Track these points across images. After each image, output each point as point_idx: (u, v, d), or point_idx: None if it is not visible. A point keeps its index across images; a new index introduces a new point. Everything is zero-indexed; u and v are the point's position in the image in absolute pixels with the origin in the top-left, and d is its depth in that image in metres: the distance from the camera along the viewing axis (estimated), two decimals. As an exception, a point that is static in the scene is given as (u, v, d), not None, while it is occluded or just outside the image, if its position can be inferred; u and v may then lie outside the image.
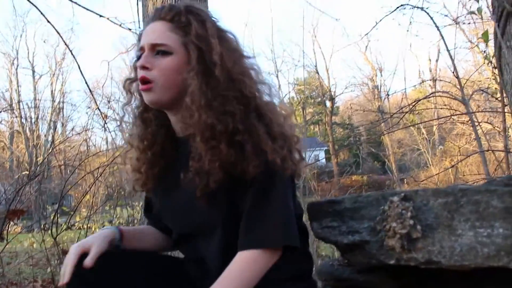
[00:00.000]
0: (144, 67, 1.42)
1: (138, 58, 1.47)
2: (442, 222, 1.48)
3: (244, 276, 1.33)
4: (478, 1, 3.92)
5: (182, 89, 1.42)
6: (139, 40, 1.51)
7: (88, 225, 6.58)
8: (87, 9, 7.58)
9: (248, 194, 1.39)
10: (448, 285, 1.72)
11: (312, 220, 1.75)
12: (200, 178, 1.38)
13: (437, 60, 28.47)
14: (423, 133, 26.34)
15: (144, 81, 1.43)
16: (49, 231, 5.20)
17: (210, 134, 1.36)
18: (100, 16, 7.41)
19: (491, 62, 4.61)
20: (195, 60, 1.40)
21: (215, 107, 1.37)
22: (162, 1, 4.08)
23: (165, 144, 1.56)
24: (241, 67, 1.47)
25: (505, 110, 4.29)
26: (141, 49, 1.46)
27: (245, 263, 1.35)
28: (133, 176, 1.59)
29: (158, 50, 1.43)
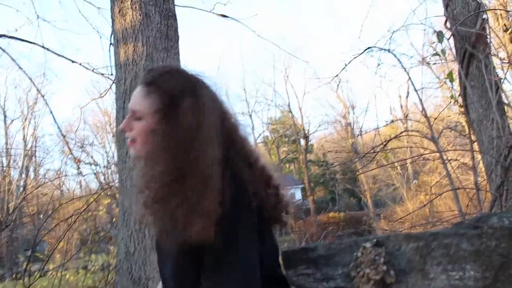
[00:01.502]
0: (123, 130, 1.59)
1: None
2: (415, 267, 1.51)
3: None
4: (441, 43, 4.06)
5: (154, 150, 1.52)
6: None
7: (62, 272, 6.43)
8: (60, 55, 7.61)
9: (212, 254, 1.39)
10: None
11: (287, 268, 1.75)
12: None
13: (407, 97, 29.06)
14: (397, 169, 26.63)
15: (129, 139, 1.59)
16: (21, 280, 5.06)
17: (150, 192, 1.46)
18: (73, 61, 7.44)
19: (457, 101, 4.75)
20: (162, 122, 1.51)
21: (180, 154, 1.45)
22: (134, 49, 4.14)
23: None
24: (211, 117, 1.52)
25: (474, 147, 4.40)
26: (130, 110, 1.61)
27: None
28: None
29: (135, 117, 1.57)
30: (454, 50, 4.76)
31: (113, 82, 5.95)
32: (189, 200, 1.37)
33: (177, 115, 1.49)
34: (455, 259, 1.46)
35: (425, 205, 4.37)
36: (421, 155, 4.71)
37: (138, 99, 1.57)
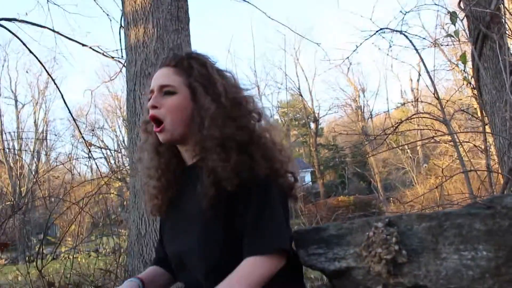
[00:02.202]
0: (153, 107, 1.62)
1: (149, 100, 1.67)
2: (427, 246, 1.50)
3: (249, 279, 1.43)
4: (454, 24, 4.01)
5: (189, 123, 1.61)
6: (149, 86, 1.72)
7: (74, 255, 6.50)
8: (70, 39, 7.62)
9: (246, 208, 1.50)
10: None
11: (299, 248, 1.75)
12: (214, 188, 1.52)
13: (418, 80, 28.89)
14: (407, 152, 26.57)
15: (155, 120, 1.63)
16: (34, 263, 5.11)
17: (222, 148, 1.52)
18: (83, 45, 7.44)
19: (470, 83, 4.70)
20: (203, 94, 1.60)
21: (230, 125, 1.56)
22: (144, 31, 4.13)
23: (177, 172, 1.73)
24: (242, 94, 1.68)
25: (486, 130, 4.36)
26: (151, 92, 1.67)
27: (250, 267, 1.46)
28: (151, 202, 1.77)
29: (165, 91, 1.63)
30: (467, 32, 4.70)
31: (123, 65, 5.96)
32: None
33: (216, 89, 1.60)
34: (468, 239, 1.45)
35: (436, 187, 4.34)
36: (433, 137, 4.67)
37: (168, 75, 1.64)
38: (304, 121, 38.74)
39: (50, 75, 8.62)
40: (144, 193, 1.81)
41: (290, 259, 1.61)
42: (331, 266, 1.66)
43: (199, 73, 1.62)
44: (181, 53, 1.72)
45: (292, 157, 1.68)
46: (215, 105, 1.58)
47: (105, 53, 7.37)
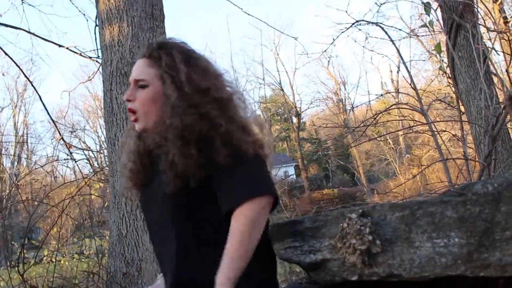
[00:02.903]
0: (128, 100, 1.68)
1: None
2: (400, 236, 1.51)
3: (247, 230, 1.45)
4: (428, 15, 4.03)
5: (161, 115, 1.63)
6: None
7: (57, 258, 6.44)
8: (46, 40, 7.53)
9: (221, 175, 1.53)
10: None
11: (275, 241, 1.76)
12: (179, 181, 1.53)
13: (398, 71, 29.06)
14: (389, 143, 26.75)
15: (130, 111, 1.68)
16: (16, 268, 5.05)
17: (182, 140, 1.54)
18: (60, 46, 7.36)
19: (445, 72, 4.74)
20: (169, 83, 1.62)
21: (191, 112, 1.57)
22: (119, 30, 4.09)
23: (152, 158, 1.74)
24: (211, 81, 1.66)
25: (462, 118, 4.40)
26: (129, 84, 1.71)
27: (243, 218, 1.45)
28: (126, 184, 1.80)
29: (139, 85, 1.68)
30: (441, 22, 4.74)
31: (100, 65, 5.90)
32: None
33: (189, 78, 1.62)
34: (440, 227, 1.46)
35: (414, 176, 4.41)
36: (410, 127, 4.71)
37: (142, 68, 1.68)
38: (286, 115, 38.79)
39: (27, 78, 8.53)
40: (121, 174, 1.87)
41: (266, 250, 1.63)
42: (307, 258, 1.66)
43: (166, 64, 1.65)
44: (153, 43, 1.75)
45: (264, 141, 1.67)
46: (177, 93, 1.60)
47: (82, 54, 7.30)
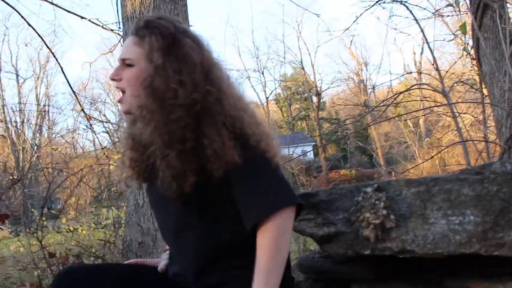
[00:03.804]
0: (112, 79, 1.59)
1: None
2: (415, 211, 1.51)
3: (276, 244, 1.37)
4: (455, -7, 3.94)
5: (146, 101, 1.50)
6: None
7: (75, 227, 6.56)
8: (69, 11, 7.53)
9: (236, 183, 1.44)
10: (424, 272, 1.74)
11: (289, 214, 1.76)
12: (173, 182, 1.45)
13: (421, 53, 28.59)
14: (409, 126, 26.48)
15: (119, 91, 1.58)
16: (35, 235, 5.15)
17: (163, 144, 1.45)
18: (82, 17, 7.35)
19: (469, 54, 4.66)
20: (151, 68, 1.50)
21: (166, 116, 1.45)
22: (141, 1, 4.08)
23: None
24: (193, 68, 1.51)
25: (485, 101, 4.33)
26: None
27: (270, 233, 1.38)
28: (127, 173, 1.69)
29: (126, 63, 1.56)
30: (468, 1, 4.64)
31: (122, 37, 5.90)
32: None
33: (182, 52, 1.50)
34: (456, 204, 1.45)
35: (432, 157, 4.36)
36: (431, 107, 4.65)
37: (129, 47, 1.56)
38: (306, 94, 38.56)
39: (50, 49, 8.54)
40: (120, 163, 1.75)
41: None
42: (320, 231, 1.66)
43: (150, 44, 1.52)
44: (141, 21, 1.60)
45: (267, 130, 1.56)
46: (161, 81, 1.48)
47: (104, 26, 7.28)
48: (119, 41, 6.99)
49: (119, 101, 1.59)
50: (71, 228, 6.50)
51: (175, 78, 1.48)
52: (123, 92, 1.57)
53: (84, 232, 6.56)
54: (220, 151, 1.41)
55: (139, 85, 1.52)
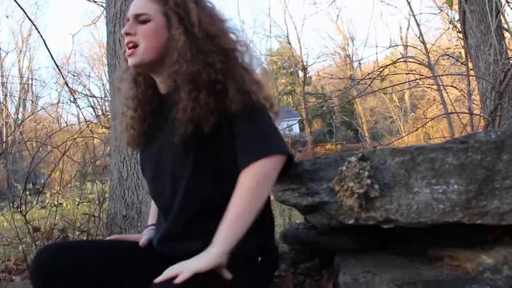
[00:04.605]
0: (127, 34, 1.61)
1: None
2: (399, 181, 1.50)
3: (255, 188, 1.42)
4: (441, -35, 3.91)
5: (163, 51, 1.60)
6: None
7: (59, 202, 6.51)
8: (49, -19, 7.36)
9: (236, 127, 1.50)
10: (408, 243, 1.75)
11: (273, 184, 1.75)
12: (185, 126, 1.50)
13: (407, 28, 28.57)
14: (394, 101, 26.60)
15: (130, 46, 1.62)
16: (19, 209, 5.10)
17: (192, 85, 1.51)
18: (64, -12, 7.20)
19: (455, 27, 4.64)
20: (176, 24, 1.58)
21: (199, 59, 1.53)
22: (123, -29, 3.98)
23: (153, 102, 1.72)
24: (218, 26, 1.62)
25: (470, 74, 4.34)
26: (128, 19, 1.65)
27: (252, 176, 1.43)
28: (127, 132, 1.76)
29: (140, 20, 1.61)
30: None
31: (105, 8, 5.80)
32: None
33: (189, 20, 1.58)
34: (440, 173, 1.45)
35: (417, 129, 4.38)
36: (415, 80, 4.64)
37: (144, 3, 1.62)
38: (292, 69, 38.47)
39: (32, 21, 8.37)
40: (120, 124, 1.80)
41: None
42: (304, 201, 1.66)
43: (174, 2, 1.60)
44: None
45: (270, 93, 1.63)
46: (185, 37, 1.56)
47: (87, -3, 7.16)
48: (102, 12, 6.87)
49: (130, 55, 1.62)
50: (56, 203, 6.45)
51: (203, 33, 1.57)
52: (135, 46, 1.61)
53: (68, 206, 6.53)
54: (242, 90, 1.50)
55: (155, 39, 1.59)
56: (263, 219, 1.58)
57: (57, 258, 1.51)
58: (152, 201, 1.88)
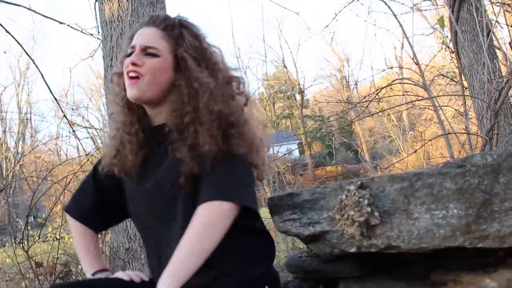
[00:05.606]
0: (134, 64, 1.56)
1: (128, 55, 1.61)
2: (399, 207, 1.51)
3: (200, 231, 1.37)
4: (431, -12, 3.98)
5: (165, 88, 1.58)
6: (130, 39, 1.66)
7: (61, 235, 6.48)
8: (46, 17, 7.45)
9: (211, 167, 1.46)
10: (412, 267, 1.75)
11: (273, 214, 1.76)
12: (196, 165, 1.47)
13: (402, 48, 28.76)
14: (393, 120, 26.67)
15: (132, 75, 1.57)
16: (21, 244, 5.08)
17: (216, 125, 1.49)
18: (60, 23, 7.29)
19: (448, 47, 4.70)
20: (194, 67, 1.56)
21: (225, 103, 1.54)
22: (119, 5, 4.05)
23: (146, 131, 1.67)
24: (231, 75, 1.64)
25: (465, 93, 4.37)
26: (132, 47, 1.61)
27: (206, 213, 1.39)
28: (115, 158, 1.67)
29: (148, 52, 1.58)
30: (445, -5, 4.68)
31: (101, 41, 5.85)
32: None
33: (211, 64, 1.59)
34: (439, 198, 1.46)
35: (416, 151, 4.38)
36: (412, 101, 4.68)
37: (154, 38, 1.59)
38: (289, 93, 38.66)
39: (29, 56, 8.44)
40: (108, 148, 1.71)
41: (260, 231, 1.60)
42: (305, 231, 1.67)
43: (191, 45, 1.59)
44: (173, 19, 1.66)
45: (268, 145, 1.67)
46: (214, 79, 1.56)
47: (83, 30, 7.22)
48: (99, 45, 6.94)
49: (132, 84, 1.57)
50: (57, 237, 6.42)
51: (223, 78, 1.60)
52: (138, 77, 1.56)
53: (71, 240, 6.49)
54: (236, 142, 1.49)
55: (161, 76, 1.57)
56: (267, 245, 1.59)
57: None
58: (80, 241, 1.81)
